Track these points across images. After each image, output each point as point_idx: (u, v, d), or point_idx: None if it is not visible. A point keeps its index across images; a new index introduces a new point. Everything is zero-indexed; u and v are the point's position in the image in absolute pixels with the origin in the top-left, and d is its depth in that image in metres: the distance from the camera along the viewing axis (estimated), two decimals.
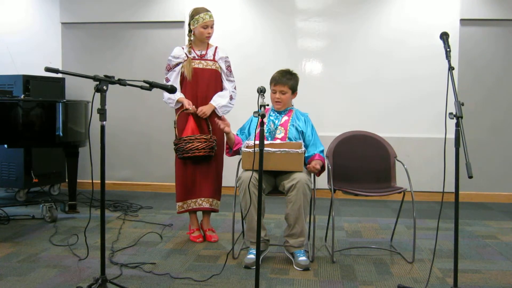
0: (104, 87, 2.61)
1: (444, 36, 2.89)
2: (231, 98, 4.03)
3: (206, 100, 3.97)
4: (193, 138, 3.81)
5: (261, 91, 2.86)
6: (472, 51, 5.79)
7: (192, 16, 3.93)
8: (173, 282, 3.01)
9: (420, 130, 5.78)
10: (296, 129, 3.61)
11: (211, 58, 4.02)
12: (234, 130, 3.69)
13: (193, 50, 4.02)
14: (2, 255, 3.50)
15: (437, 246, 3.43)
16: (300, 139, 3.60)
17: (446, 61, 2.79)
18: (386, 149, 3.88)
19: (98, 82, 2.60)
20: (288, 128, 3.59)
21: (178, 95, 3.91)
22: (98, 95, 2.60)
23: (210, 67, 3.99)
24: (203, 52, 4.02)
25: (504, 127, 5.82)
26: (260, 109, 2.67)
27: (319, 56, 5.96)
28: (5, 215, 4.56)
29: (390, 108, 5.80)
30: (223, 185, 5.97)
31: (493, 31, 5.79)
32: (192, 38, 4.04)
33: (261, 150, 2.64)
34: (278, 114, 3.66)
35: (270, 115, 3.66)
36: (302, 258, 3.30)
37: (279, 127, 3.60)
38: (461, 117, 2.56)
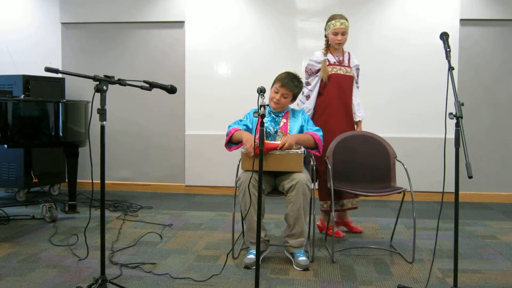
0: (104, 87, 2.61)
1: (444, 36, 2.89)
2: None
3: (347, 107, 4.10)
4: None
5: (261, 91, 2.85)
6: (472, 51, 5.79)
7: (327, 22, 4.10)
8: (173, 282, 3.01)
9: (420, 130, 5.78)
10: (296, 128, 3.60)
11: (347, 64, 4.11)
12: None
13: (333, 55, 4.10)
14: (2, 255, 3.50)
15: (437, 246, 3.45)
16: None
17: (446, 61, 2.80)
18: (386, 149, 3.88)
19: (98, 82, 2.60)
20: (288, 132, 3.58)
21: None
22: (98, 95, 2.60)
23: (349, 74, 4.10)
24: (341, 58, 4.11)
25: (504, 127, 5.82)
26: (260, 109, 2.67)
27: None
28: (5, 215, 4.56)
29: (390, 108, 5.80)
30: (222, 185, 6.03)
31: (493, 31, 5.80)
32: (329, 43, 4.13)
33: (261, 151, 2.64)
34: (276, 116, 3.65)
35: (268, 117, 3.62)
36: (302, 258, 3.30)
37: (279, 130, 3.60)
38: (461, 117, 2.56)
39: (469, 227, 4.52)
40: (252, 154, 3.23)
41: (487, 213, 5.22)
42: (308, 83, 4.11)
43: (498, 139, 5.83)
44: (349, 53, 4.17)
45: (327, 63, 4.04)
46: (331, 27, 4.03)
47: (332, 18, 4.07)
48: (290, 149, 3.34)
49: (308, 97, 4.11)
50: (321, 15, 5.91)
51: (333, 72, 4.03)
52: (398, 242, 3.95)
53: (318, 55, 4.08)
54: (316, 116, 4.06)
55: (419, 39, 5.72)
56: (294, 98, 3.63)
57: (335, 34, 4.01)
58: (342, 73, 4.05)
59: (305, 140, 3.51)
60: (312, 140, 3.52)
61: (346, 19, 4.05)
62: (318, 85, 4.07)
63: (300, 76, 3.65)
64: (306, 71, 4.12)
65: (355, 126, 4.20)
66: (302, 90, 4.03)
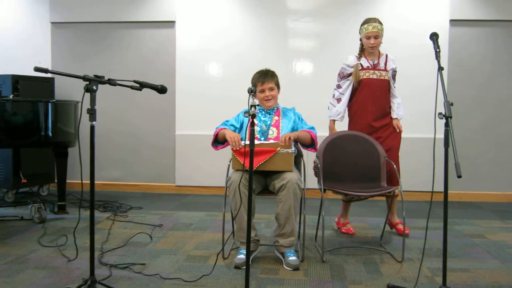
0: (94, 87, 2.60)
1: (434, 37, 2.91)
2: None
3: (378, 113, 4.06)
4: None
5: (252, 91, 2.85)
6: (461, 51, 5.83)
7: (360, 26, 4.08)
8: (163, 282, 3.00)
9: (409, 130, 5.79)
10: (288, 125, 3.62)
11: (383, 67, 4.07)
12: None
13: (366, 59, 4.09)
14: None
15: (426, 245, 3.46)
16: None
17: (436, 61, 2.81)
18: (376, 149, 3.90)
19: (88, 82, 2.59)
20: (280, 128, 3.60)
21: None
22: (88, 95, 2.59)
23: (383, 78, 4.06)
24: (376, 62, 4.08)
25: (493, 127, 5.87)
26: (251, 109, 2.67)
27: (310, 56, 5.98)
28: None
29: None
30: (212, 185, 6.02)
31: (482, 31, 5.84)
32: (364, 47, 4.11)
33: (252, 150, 2.64)
34: (268, 114, 3.66)
35: (259, 116, 3.65)
36: (292, 258, 3.30)
37: (271, 127, 3.60)
38: (450, 117, 2.58)
39: (458, 226, 4.55)
40: (239, 147, 3.31)
41: (476, 212, 5.26)
42: (339, 86, 4.17)
43: (487, 139, 5.88)
44: (386, 56, 4.13)
45: (360, 67, 4.05)
46: (363, 31, 4.03)
47: (365, 22, 4.05)
48: (288, 145, 3.35)
49: (339, 100, 4.16)
50: (312, 15, 5.94)
51: (365, 76, 4.04)
52: (387, 242, 3.97)
53: (351, 59, 4.09)
54: (350, 120, 4.19)
55: (409, 39, 5.74)
56: (278, 87, 3.67)
57: (368, 38, 4.00)
58: (375, 77, 4.03)
59: (303, 136, 3.55)
60: (309, 137, 3.56)
61: (379, 23, 4.01)
62: (349, 88, 4.11)
63: (268, 68, 3.70)
64: (338, 74, 4.18)
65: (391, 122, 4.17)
66: (333, 93, 4.22)
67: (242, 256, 3.32)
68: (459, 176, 2.39)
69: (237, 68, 5.97)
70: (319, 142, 3.91)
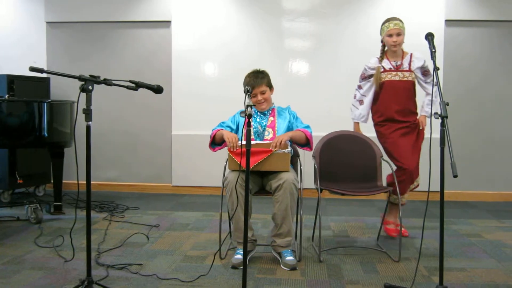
0: (90, 87, 2.59)
1: (430, 37, 2.92)
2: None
3: (400, 114, 3.93)
4: None
5: (248, 91, 2.85)
6: (457, 51, 5.84)
7: (381, 26, 4.00)
8: (160, 283, 3.00)
9: None
10: (284, 125, 3.61)
11: (407, 68, 3.94)
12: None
13: (389, 60, 3.98)
14: None
15: (422, 244, 3.47)
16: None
17: (431, 61, 2.82)
18: (373, 149, 3.90)
19: (83, 82, 2.59)
20: (276, 128, 3.59)
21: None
22: (83, 95, 2.58)
23: (406, 79, 3.93)
24: (399, 63, 3.95)
25: (489, 127, 5.88)
26: (247, 109, 2.67)
27: (306, 56, 5.98)
28: None
29: None
30: (209, 185, 6.02)
31: (478, 32, 5.85)
32: (386, 48, 4.01)
33: (248, 151, 2.64)
34: (263, 115, 3.65)
35: (255, 117, 3.63)
36: (289, 258, 3.30)
37: (267, 128, 3.60)
38: (446, 117, 2.59)
39: (454, 225, 4.56)
40: (236, 148, 3.29)
41: (472, 211, 5.28)
42: (360, 87, 4.12)
43: (482, 139, 5.89)
44: (411, 55, 3.98)
45: (382, 70, 3.96)
46: (385, 29, 3.94)
47: (385, 21, 3.96)
48: (284, 145, 3.34)
49: (361, 102, 4.11)
50: (308, 15, 5.94)
51: (387, 79, 3.93)
52: (384, 241, 3.98)
53: (373, 61, 4.02)
54: (375, 124, 4.08)
55: (404, 39, 5.73)
56: (270, 88, 3.63)
57: (390, 35, 3.88)
58: (397, 79, 3.92)
59: (297, 136, 3.51)
60: (304, 136, 3.52)
61: (400, 20, 3.91)
62: (372, 90, 4.05)
63: (259, 69, 3.64)
64: (360, 75, 4.11)
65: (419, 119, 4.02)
66: (354, 94, 4.16)
67: (239, 256, 3.32)
68: (455, 176, 2.39)
69: (233, 67, 5.97)
70: (315, 142, 3.90)
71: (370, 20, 5.82)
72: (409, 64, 3.94)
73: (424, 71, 3.95)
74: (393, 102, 3.92)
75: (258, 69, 3.64)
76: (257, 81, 3.52)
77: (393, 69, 3.93)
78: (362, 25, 5.85)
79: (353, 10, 5.87)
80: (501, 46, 5.84)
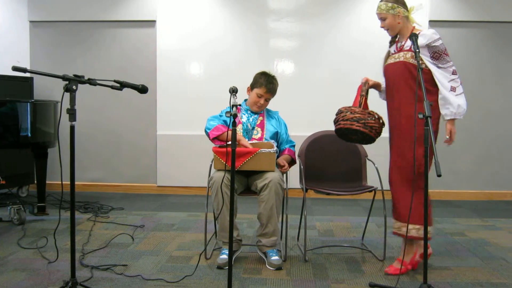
0: (74, 87, 2.57)
1: (413, 37, 2.93)
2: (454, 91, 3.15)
3: (395, 110, 3.23)
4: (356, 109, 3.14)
5: (233, 91, 2.85)
6: None
7: None
8: (145, 283, 2.98)
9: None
10: (272, 128, 3.63)
11: (408, 48, 3.19)
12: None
13: (396, 43, 3.31)
14: None
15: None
16: (275, 138, 3.62)
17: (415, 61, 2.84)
18: (357, 149, 3.92)
19: (67, 82, 2.57)
20: (264, 129, 3.60)
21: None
22: (67, 95, 2.56)
23: (400, 60, 3.20)
24: (403, 43, 3.27)
25: (472, 126, 5.93)
26: (232, 109, 2.67)
27: (291, 56, 5.99)
28: None
29: None
30: (194, 185, 6.00)
31: (462, 32, 5.91)
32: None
33: (233, 150, 2.63)
34: (252, 114, 3.66)
35: (244, 114, 3.64)
36: (275, 258, 3.31)
37: (256, 127, 3.61)
38: (430, 117, 2.61)
39: (438, 224, 4.60)
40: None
41: (456, 210, 5.33)
42: None
43: (466, 139, 5.94)
44: (419, 33, 3.14)
45: (389, 54, 3.34)
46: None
47: None
48: (269, 145, 3.41)
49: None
50: (293, 15, 5.95)
51: (385, 63, 3.34)
52: (369, 241, 4.00)
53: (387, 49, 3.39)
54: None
55: (388, 40, 5.77)
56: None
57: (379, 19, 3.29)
58: (392, 61, 3.25)
59: (288, 159, 3.65)
60: (290, 158, 3.68)
61: (385, 1, 3.23)
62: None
63: (273, 74, 3.67)
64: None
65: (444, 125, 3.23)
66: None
67: (224, 256, 3.31)
68: (439, 175, 2.41)
69: (218, 67, 5.97)
70: (301, 141, 3.93)
71: (355, 20, 5.86)
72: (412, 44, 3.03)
73: (434, 52, 3.13)
74: (387, 94, 3.32)
75: (272, 73, 3.66)
76: (271, 88, 3.58)
77: (396, 51, 3.28)
78: (346, 25, 5.88)
79: (338, 10, 5.89)
80: (485, 46, 5.91)
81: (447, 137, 3.21)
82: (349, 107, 3.17)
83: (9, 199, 5.37)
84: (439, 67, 3.15)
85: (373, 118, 3.09)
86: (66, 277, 2.89)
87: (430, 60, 3.13)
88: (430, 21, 5.81)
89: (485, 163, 5.99)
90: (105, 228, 4.34)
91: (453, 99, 3.15)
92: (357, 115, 3.07)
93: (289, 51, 5.99)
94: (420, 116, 2.62)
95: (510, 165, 5.98)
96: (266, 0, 5.98)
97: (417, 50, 2.87)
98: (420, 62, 2.93)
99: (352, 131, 3.11)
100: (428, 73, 3.12)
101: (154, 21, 6.04)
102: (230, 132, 3.43)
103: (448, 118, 3.19)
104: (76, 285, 2.65)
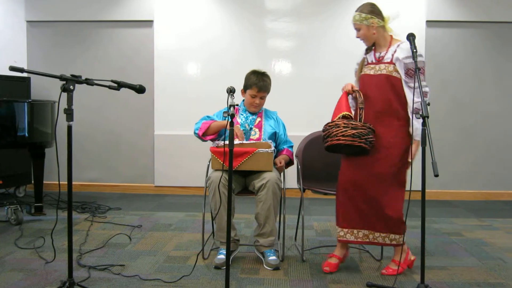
0: (71, 87, 2.57)
1: (411, 37, 2.93)
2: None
3: (382, 117, 3.14)
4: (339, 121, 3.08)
5: (231, 91, 2.85)
6: (438, 52, 5.90)
7: None
8: (142, 284, 2.98)
9: None
10: (270, 129, 3.63)
11: (389, 60, 3.13)
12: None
13: (374, 52, 3.24)
14: None
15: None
16: (273, 139, 3.62)
17: (413, 61, 2.84)
18: None
19: (64, 82, 2.56)
20: (262, 130, 3.61)
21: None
22: (64, 95, 2.56)
23: (380, 72, 3.15)
24: (382, 54, 3.19)
25: (469, 126, 5.95)
26: (230, 109, 2.67)
27: (288, 56, 5.99)
28: None
29: None
30: (192, 185, 6.00)
31: (459, 32, 5.92)
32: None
33: (231, 150, 2.63)
34: (250, 115, 3.66)
35: (241, 115, 3.64)
36: (272, 258, 3.31)
37: (254, 128, 3.61)
38: (427, 117, 2.62)
39: (435, 224, 4.61)
40: (243, 139, 3.43)
41: (453, 210, 5.34)
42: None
43: (463, 139, 5.96)
44: (398, 45, 3.14)
45: (366, 63, 3.26)
46: None
47: None
48: (266, 146, 3.39)
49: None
50: (290, 15, 5.95)
51: (363, 72, 3.26)
52: None
53: (360, 55, 3.34)
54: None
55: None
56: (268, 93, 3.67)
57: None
58: (371, 73, 3.18)
59: (286, 160, 3.66)
60: (288, 158, 3.69)
61: (359, 12, 3.21)
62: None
63: (264, 71, 3.66)
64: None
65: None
66: None
67: (222, 256, 3.31)
68: (436, 175, 2.42)
69: (215, 67, 5.96)
70: (298, 141, 3.93)
71: (351, 19, 5.85)
72: (393, 55, 3.13)
73: (408, 69, 3.06)
74: (366, 104, 3.16)
75: (262, 70, 3.65)
76: (262, 86, 3.57)
77: (374, 61, 3.20)
78: (344, 25, 5.86)
79: (335, 10, 5.89)
80: (483, 46, 5.92)
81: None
82: (348, 121, 3.05)
83: (6, 199, 5.36)
84: (408, 86, 3.10)
85: (372, 133, 3.07)
86: (63, 277, 2.89)
87: (404, 77, 3.09)
88: (427, 21, 5.82)
89: (482, 163, 5.99)
90: (102, 228, 4.34)
91: (414, 122, 3.04)
92: (359, 130, 3.01)
93: (286, 51, 5.99)
94: (418, 116, 2.63)
95: (507, 165, 5.99)
96: (263, 0, 5.98)
97: (414, 50, 2.87)
98: (387, 71, 3.09)
99: (351, 146, 3.06)
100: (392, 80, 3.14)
101: (152, 21, 6.04)
102: (218, 123, 3.48)
103: (415, 138, 3.08)
104: (74, 285, 2.65)
